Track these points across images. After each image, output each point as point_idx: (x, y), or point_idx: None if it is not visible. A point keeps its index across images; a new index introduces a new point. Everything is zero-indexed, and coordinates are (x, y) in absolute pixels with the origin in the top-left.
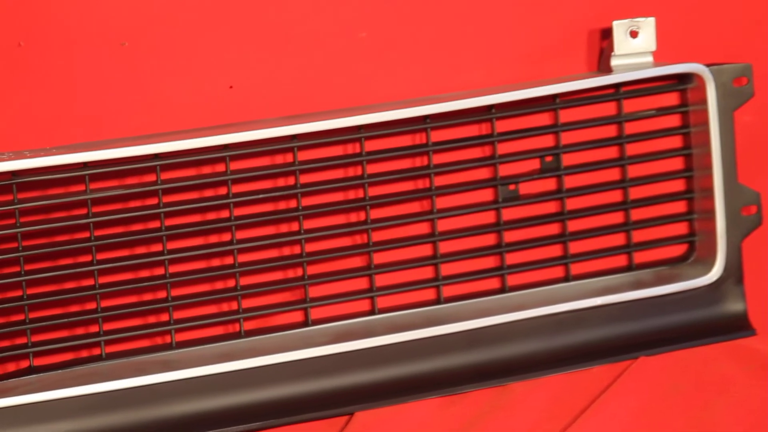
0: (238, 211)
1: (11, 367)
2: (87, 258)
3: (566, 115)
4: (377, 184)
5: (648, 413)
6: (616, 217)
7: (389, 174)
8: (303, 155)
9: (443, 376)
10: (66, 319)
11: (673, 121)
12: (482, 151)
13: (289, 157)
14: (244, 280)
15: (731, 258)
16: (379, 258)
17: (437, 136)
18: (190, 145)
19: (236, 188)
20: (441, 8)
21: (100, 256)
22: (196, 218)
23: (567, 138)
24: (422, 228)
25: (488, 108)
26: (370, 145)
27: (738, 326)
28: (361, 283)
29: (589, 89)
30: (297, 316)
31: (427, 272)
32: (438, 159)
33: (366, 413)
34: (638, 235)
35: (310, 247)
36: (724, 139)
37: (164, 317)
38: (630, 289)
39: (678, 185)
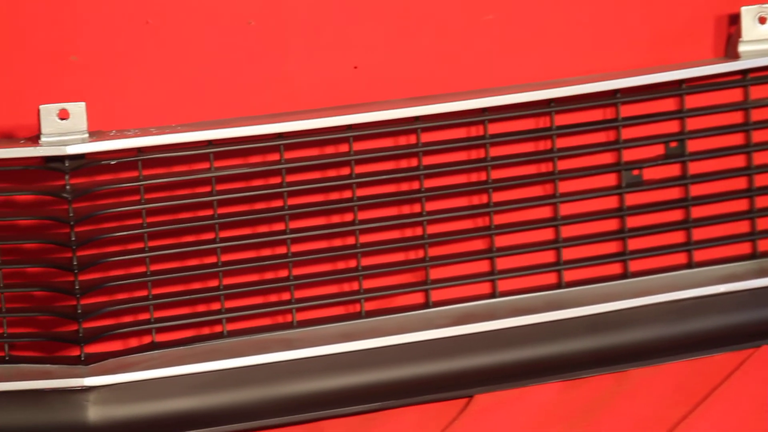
0: (361, 192)
1: (134, 342)
2: (210, 236)
3: (692, 101)
4: (500, 167)
5: None
6: (741, 204)
7: (512, 157)
8: (426, 137)
9: (563, 360)
10: (189, 296)
11: None
12: (606, 135)
13: (412, 139)
14: (366, 261)
15: None
16: (500, 241)
17: (561, 120)
18: (313, 125)
19: (359, 168)
20: None
21: (223, 234)
22: (318, 198)
23: (692, 124)
24: (545, 212)
25: (613, 93)
26: (494, 128)
27: None
28: (483, 266)
29: (716, 75)
30: (418, 298)
31: (548, 256)
32: (561, 143)
33: (486, 396)
34: (763, 223)
35: (431, 229)
36: None
37: (286, 296)
38: (754, 276)
39: None
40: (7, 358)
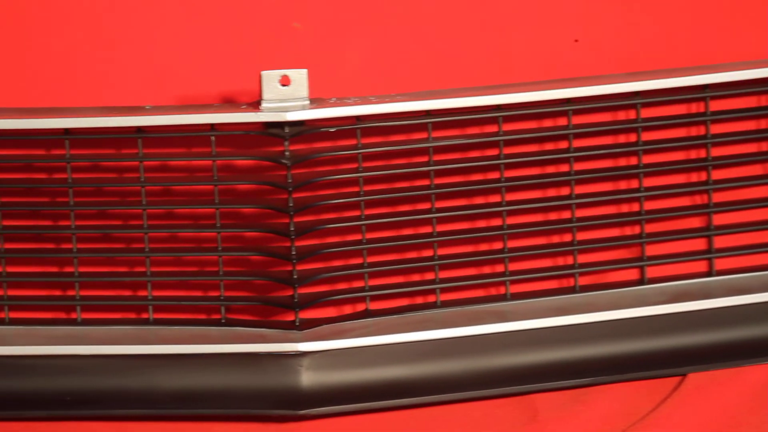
0: (578, 166)
1: (347, 309)
2: (425, 206)
3: None
4: (720, 145)
5: None
6: None
7: (734, 135)
8: (646, 112)
9: None
10: (403, 266)
11: None
12: None
13: (631, 114)
14: (581, 236)
15: None
16: (718, 219)
17: None
18: (532, 98)
19: (577, 143)
20: None
21: (439, 204)
22: (535, 171)
23: None
24: (763, 191)
25: None
26: (716, 105)
27: None
28: (700, 244)
29: None
30: (633, 274)
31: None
32: None
33: (699, 375)
34: None
35: (648, 206)
36: None
37: (499, 268)
38: None
39: None
40: (223, 321)
